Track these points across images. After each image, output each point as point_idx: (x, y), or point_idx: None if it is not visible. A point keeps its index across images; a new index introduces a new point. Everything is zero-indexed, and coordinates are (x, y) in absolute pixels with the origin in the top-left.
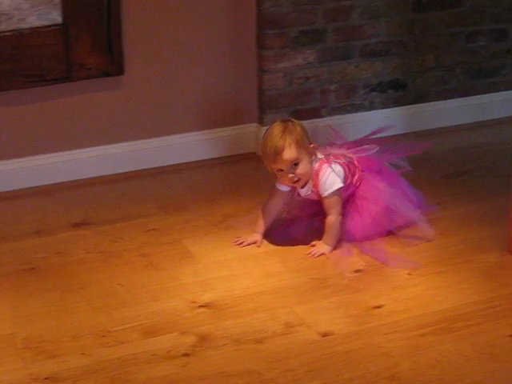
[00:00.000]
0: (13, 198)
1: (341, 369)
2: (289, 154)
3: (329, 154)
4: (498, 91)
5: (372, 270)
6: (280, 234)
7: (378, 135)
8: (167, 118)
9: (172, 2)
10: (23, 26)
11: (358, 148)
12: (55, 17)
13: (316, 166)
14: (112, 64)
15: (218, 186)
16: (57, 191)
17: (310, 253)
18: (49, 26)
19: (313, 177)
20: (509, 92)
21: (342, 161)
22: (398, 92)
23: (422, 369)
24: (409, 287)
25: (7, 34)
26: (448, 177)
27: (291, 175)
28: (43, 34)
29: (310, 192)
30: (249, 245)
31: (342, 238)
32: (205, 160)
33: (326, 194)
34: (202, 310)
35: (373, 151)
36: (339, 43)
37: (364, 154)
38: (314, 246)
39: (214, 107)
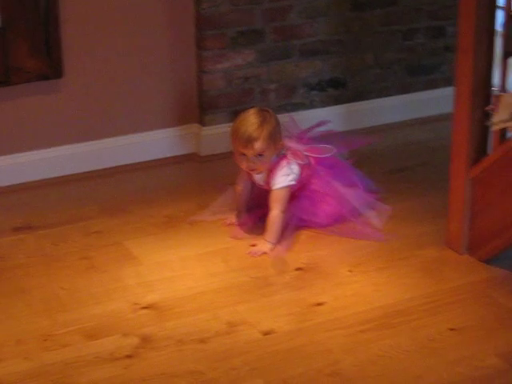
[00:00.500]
0: None
1: (283, 366)
2: (260, 145)
3: (288, 149)
4: (436, 88)
5: (313, 268)
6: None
7: (318, 129)
8: (107, 121)
9: (110, 4)
10: None
11: (315, 147)
12: None
13: (276, 160)
14: (50, 67)
15: (160, 187)
16: None
17: (250, 252)
18: None
19: (270, 168)
20: (447, 89)
21: (301, 162)
22: (337, 90)
23: (363, 365)
24: (350, 284)
25: None
26: (388, 173)
27: (251, 163)
28: None
29: (262, 182)
30: (237, 224)
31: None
32: (146, 161)
33: (275, 186)
34: (144, 311)
35: (329, 154)
36: (278, 43)
37: (321, 156)
38: (254, 245)
39: (155, 108)
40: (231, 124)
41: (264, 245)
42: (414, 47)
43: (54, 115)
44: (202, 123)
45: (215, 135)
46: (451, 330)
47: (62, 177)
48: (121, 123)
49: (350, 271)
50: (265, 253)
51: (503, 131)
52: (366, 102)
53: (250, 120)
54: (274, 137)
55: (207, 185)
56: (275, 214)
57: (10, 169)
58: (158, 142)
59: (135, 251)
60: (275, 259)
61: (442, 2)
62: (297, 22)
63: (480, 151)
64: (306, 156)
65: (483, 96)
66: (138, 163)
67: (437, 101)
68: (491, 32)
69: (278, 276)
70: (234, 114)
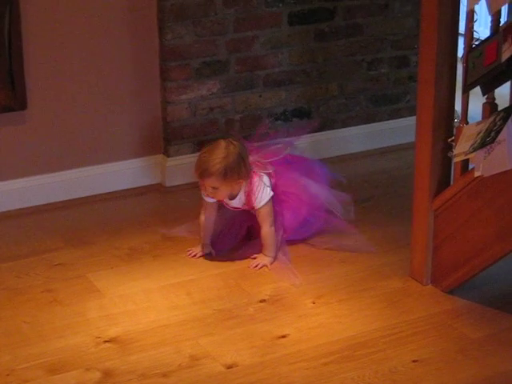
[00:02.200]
0: None
1: None
2: (211, 181)
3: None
4: (400, 117)
5: (276, 300)
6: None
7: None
8: (71, 152)
9: (73, 35)
10: None
11: (268, 152)
12: None
13: (248, 181)
14: (15, 99)
15: (124, 218)
16: None
17: (251, 265)
18: None
19: (246, 190)
20: (412, 118)
21: (268, 171)
22: (302, 120)
23: None
24: (313, 316)
25: None
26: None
27: (209, 192)
28: None
29: (241, 205)
30: (202, 256)
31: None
32: (111, 192)
33: (259, 205)
34: (107, 345)
35: (282, 154)
36: (242, 73)
37: (276, 158)
38: (254, 258)
39: (119, 139)
40: (196, 154)
41: (264, 258)
42: (379, 77)
43: (17, 147)
44: (167, 154)
45: (180, 166)
46: (414, 361)
47: (25, 208)
48: (85, 154)
49: (313, 303)
50: (265, 265)
51: (465, 162)
52: (331, 131)
53: (212, 154)
54: (231, 173)
55: (172, 216)
56: (266, 229)
57: None
58: (122, 173)
59: (98, 284)
60: (278, 275)
61: (406, 32)
62: (261, 52)
63: (442, 182)
64: (264, 163)
65: (445, 127)
66: (102, 194)
67: (401, 130)
68: (453, 62)
69: (242, 308)
70: (199, 145)
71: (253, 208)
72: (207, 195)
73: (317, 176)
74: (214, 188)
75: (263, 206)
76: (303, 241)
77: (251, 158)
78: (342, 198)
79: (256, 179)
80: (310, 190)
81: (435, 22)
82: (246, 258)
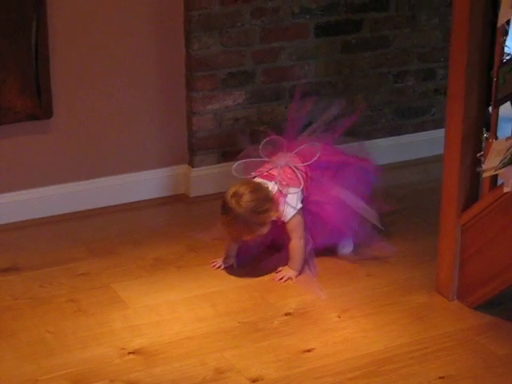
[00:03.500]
0: None
1: None
2: (236, 236)
3: (280, 182)
4: (426, 130)
5: (302, 314)
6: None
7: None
8: (95, 161)
9: (100, 44)
10: None
11: (302, 151)
12: None
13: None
14: (40, 107)
15: (149, 228)
16: None
17: (276, 278)
18: None
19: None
20: (437, 131)
21: (298, 187)
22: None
23: None
24: (338, 330)
25: None
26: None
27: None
28: None
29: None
30: (225, 268)
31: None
32: (135, 202)
33: (287, 219)
34: (131, 356)
35: (316, 155)
36: (268, 84)
37: (310, 162)
38: (279, 271)
39: (144, 149)
40: (221, 165)
41: (289, 271)
42: (404, 89)
43: (42, 155)
44: (192, 164)
45: (204, 176)
46: (440, 378)
47: (50, 217)
48: (110, 164)
49: (338, 317)
50: (290, 278)
51: (494, 178)
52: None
53: (232, 223)
54: (254, 228)
55: (196, 226)
56: (295, 242)
57: None
58: (147, 183)
59: (122, 294)
60: (304, 287)
61: (433, 45)
62: (287, 63)
63: (470, 197)
64: (298, 170)
65: (474, 142)
66: (127, 204)
67: (426, 143)
68: (482, 77)
69: (267, 321)
70: (224, 156)
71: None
72: None
73: (357, 183)
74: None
75: (291, 218)
76: (329, 251)
77: (285, 160)
78: (368, 212)
79: (281, 199)
80: (344, 200)
81: (466, 37)
82: (270, 271)
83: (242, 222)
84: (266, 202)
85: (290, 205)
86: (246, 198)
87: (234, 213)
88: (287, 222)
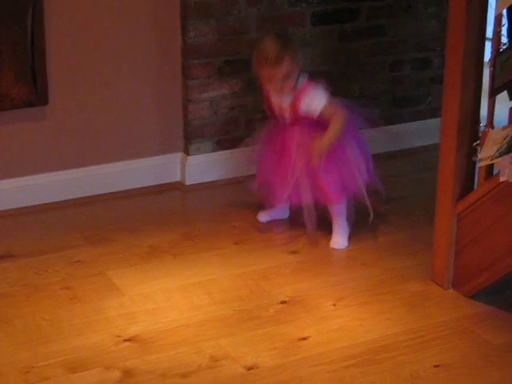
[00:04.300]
0: None
1: None
2: (285, 65)
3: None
4: (422, 119)
5: (297, 302)
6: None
7: None
8: (92, 148)
9: (96, 31)
10: None
11: None
12: None
13: (301, 82)
14: (36, 94)
15: (144, 216)
16: None
17: (313, 156)
18: None
19: (296, 95)
20: (433, 120)
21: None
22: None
23: None
24: (333, 318)
25: None
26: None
27: (280, 85)
28: None
29: (288, 104)
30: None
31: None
32: (131, 190)
33: (318, 109)
34: (126, 343)
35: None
36: None
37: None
38: (312, 149)
39: (140, 137)
40: (217, 153)
41: (321, 142)
42: (401, 78)
43: (38, 142)
44: (187, 152)
45: (200, 164)
46: (436, 366)
47: (45, 204)
48: (105, 151)
49: (334, 305)
50: (323, 150)
51: (490, 167)
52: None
53: (273, 43)
54: (297, 58)
55: (192, 214)
56: (336, 118)
57: None
58: (142, 171)
59: (118, 282)
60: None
61: (429, 34)
62: None
63: (466, 187)
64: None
65: (470, 131)
66: (123, 191)
67: (423, 132)
68: (479, 66)
69: (262, 309)
70: (219, 144)
71: (300, 115)
72: (269, 88)
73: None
74: (284, 77)
75: (323, 107)
76: (324, 240)
77: None
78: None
79: (310, 84)
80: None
81: (463, 25)
82: (268, 262)
83: (291, 42)
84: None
85: (318, 95)
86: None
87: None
88: (322, 113)
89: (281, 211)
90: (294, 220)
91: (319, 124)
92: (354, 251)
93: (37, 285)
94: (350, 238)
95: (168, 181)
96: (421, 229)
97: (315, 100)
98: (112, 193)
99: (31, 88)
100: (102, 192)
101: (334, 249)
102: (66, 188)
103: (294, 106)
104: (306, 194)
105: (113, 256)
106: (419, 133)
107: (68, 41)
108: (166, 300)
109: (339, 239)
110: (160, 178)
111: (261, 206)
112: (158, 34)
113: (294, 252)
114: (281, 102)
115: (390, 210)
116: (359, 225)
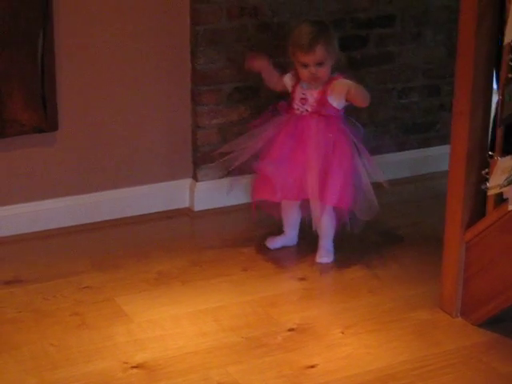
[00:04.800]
0: None
1: None
2: (320, 51)
3: None
4: (430, 146)
5: (305, 329)
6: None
7: None
8: (100, 174)
9: (106, 58)
10: None
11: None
12: None
13: (334, 75)
14: (46, 120)
15: (152, 242)
16: None
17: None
18: None
19: (323, 88)
20: (442, 147)
21: None
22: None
23: None
24: (342, 346)
25: None
26: (381, 232)
27: (314, 71)
28: None
29: (315, 93)
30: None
31: None
32: (139, 215)
33: (347, 86)
34: (134, 370)
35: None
36: (273, 99)
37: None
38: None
39: (149, 162)
40: (226, 179)
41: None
42: (409, 105)
43: (47, 168)
44: (196, 178)
45: (209, 190)
46: None
47: (54, 230)
48: (114, 177)
49: (342, 333)
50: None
51: (499, 195)
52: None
53: (311, 29)
54: (333, 46)
55: (200, 241)
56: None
57: (1, 221)
58: (151, 197)
59: (126, 308)
60: None
61: (438, 61)
62: None
63: (475, 214)
64: None
65: (479, 159)
66: (131, 217)
67: (431, 159)
68: (488, 94)
69: (270, 337)
70: (228, 170)
71: (324, 105)
72: (304, 76)
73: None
74: (319, 65)
75: (352, 84)
76: (331, 269)
77: None
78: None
79: (341, 76)
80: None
81: (471, 53)
82: (275, 288)
83: (329, 39)
84: None
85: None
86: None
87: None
88: (349, 91)
89: (289, 238)
90: (303, 247)
91: (338, 118)
92: (361, 279)
93: (45, 310)
94: (356, 264)
95: (177, 207)
96: (428, 256)
97: (344, 86)
98: (121, 218)
99: (41, 114)
100: (110, 218)
101: (321, 262)
102: (74, 213)
103: (323, 95)
104: (313, 187)
105: (121, 282)
106: (427, 160)
107: (78, 68)
108: (175, 327)
109: (324, 252)
110: (169, 203)
111: (271, 232)
112: (167, 60)
113: (301, 279)
114: (306, 90)
115: (398, 237)
116: (365, 252)
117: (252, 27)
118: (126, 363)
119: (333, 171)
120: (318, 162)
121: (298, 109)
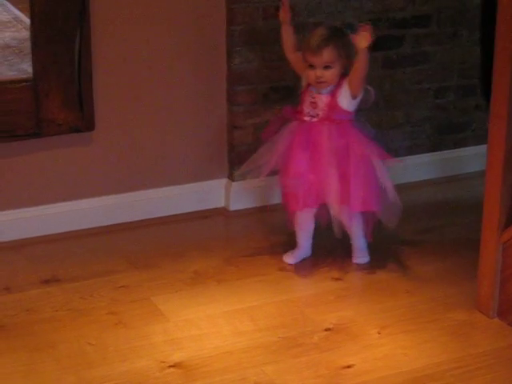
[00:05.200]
0: None
1: None
2: (327, 54)
3: None
4: (466, 146)
5: (341, 329)
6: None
7: None
8: (136, 174)
9: (143, 57)
10: None
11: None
12: (26, 67)
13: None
14: (83, 120)
15: (188, 241)
16: (25, 247)
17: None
18: (19, 82)
19: (333, 91)
20: (477, 147)
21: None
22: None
23: None
24: (378, 346)
25: None
26: (417, 233)
27: (319, 74)
28: (13, 89)
29: (325, 98)
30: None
31: None
32: (175, 215)
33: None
34: (171, 370)
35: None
36: None
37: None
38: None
39: (185, 162)
40: (260, 179)
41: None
42: (445, 105)
43: (84, 167)
44: (232, 178)
45: (244, 190)
46: None
47: (90, 229)
48: (150, 176)
49: (378, 333)
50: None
51: None
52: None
53: (323, 31)
54: (343, 51)
55: (236, 240)
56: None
57: (39, 220)
58: (186, 196)
59: (162, 307)
60: None
61: (474, 61)
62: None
63: None
64: None
65: None
66: (167, 217)
67: (466, 159)
68: None
69: (307, 337)
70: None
71: (335, 109)
72: (310, 79)
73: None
74: (325, 68)
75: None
76: (367, 268)
77: None
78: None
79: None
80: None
81: (510, 56)
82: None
83: (340, 44)
84: None
85: None
86: None
87: (338, 31)
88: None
89: (306, 249)
90: (338, 246)
91: (349, 122)
92: (397, 279)
93: (82, 309)
94: (392, 264)
95: (212, 206)
96: (464, 257)
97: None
98: (156, 218)
99: (78, 114)
100: (146, 217)
101: (358, 263)
102: (110, 213)
103: (333, 99)
104: (335, 194)
105: (157, 281)
106: (463, 160)
107: (115, 67)
108: (211, 326)
109: (361, 253)
110: (204, 203)
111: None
112: (204, 60)
113: (337, 279)
114: (316, 95)
115: (434, 237)
116: (401, 252)
117: None
118: (163, 362)
119: (352, 176)
120: (335, 169)
121: (308, 112)
